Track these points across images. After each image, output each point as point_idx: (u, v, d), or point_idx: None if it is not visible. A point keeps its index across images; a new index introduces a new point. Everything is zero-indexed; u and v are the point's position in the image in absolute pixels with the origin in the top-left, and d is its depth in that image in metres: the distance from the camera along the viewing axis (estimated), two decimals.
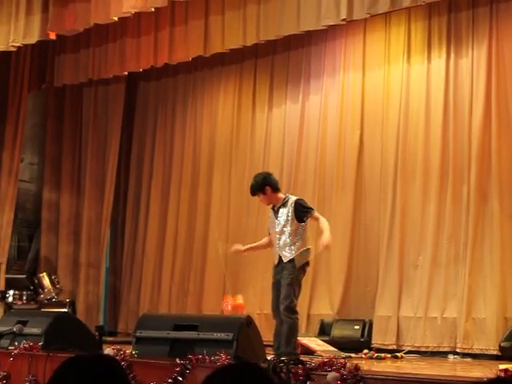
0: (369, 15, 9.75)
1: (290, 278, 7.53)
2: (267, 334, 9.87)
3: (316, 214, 7.76)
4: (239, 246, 8.19)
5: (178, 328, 7.37)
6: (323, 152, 10.93)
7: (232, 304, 7.96)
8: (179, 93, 12.77)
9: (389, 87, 10.56)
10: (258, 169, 11.42)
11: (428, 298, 9.69)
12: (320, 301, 10.64)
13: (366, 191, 10.57)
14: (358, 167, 10.61)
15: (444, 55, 10.07)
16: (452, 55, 10.02)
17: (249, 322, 7.20)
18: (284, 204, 7.71)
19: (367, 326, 9.98)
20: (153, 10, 10.83)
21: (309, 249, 7.69)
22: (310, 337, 9.66)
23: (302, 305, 10.61)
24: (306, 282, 10.59)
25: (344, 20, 9.68)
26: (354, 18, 9.79)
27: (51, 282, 11.83)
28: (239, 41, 10.76)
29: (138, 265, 12.73)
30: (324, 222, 7.71)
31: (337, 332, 10.10)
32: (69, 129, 13.33)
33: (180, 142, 12.60)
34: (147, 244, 12.66)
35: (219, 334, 6.98)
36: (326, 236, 7.58)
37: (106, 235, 12.89)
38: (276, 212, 7.75)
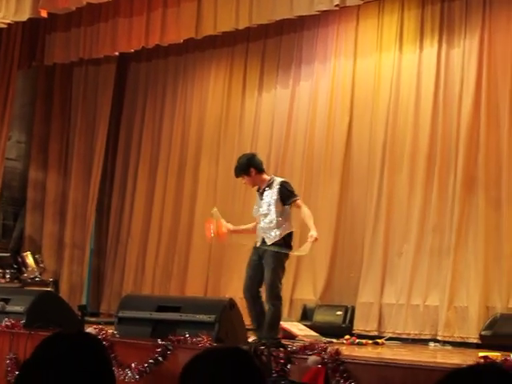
0: (362, 2, 9.77)
1: (274, 262, 7.45)
2: (249, 318, 9.88)
3: (299, 201, 7.64)
4: (229, 225, 8.09)
5: (160, 309, 7.38)
6: (312, 137, 10.92)
7: (215, 231, 7.84)
8: (170, 75, 12.72)
9: (380, 75, 10.55)
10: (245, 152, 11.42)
11: (411, 285, 9.72)
12: (303, 286, 10.65)
13: (353, 177, 10.56)
14: (346, 153, 10.60)
15: (436, 44, 10.07)
16: (444, 45, 10.01)
17: (231, 304, 7.20)
18: (269, 185, 7.62)
19: (349, 312, 9.99)
20: None
21: (292, 232, 7.63)
22: (292, 321, 9.66)
23: (285, 289, 10.54)
24: (290, 266, 10.58)
25: (337, 6, 9.67)
26: (348, 4, 9.80)
27: (35, 260, 11.81)
28: (231, 24, 10.73)
29: (122, 246, 12.70)
30: (307, 213, 7.57)
31: (319, 317, 10.10)
32: (58, 108, 13.26)
33: (169, 125, 12.56)
34: (132, 226, 12.64)
35: (201, 316, 6.99)
36: (313, 229, 7.49)
37: (91, 216, 12.85)
38: (261, 194, 7.67)
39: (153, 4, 11.30)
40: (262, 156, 10.67)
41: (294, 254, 7.76)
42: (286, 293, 10.58)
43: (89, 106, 13.15)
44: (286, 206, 7.56)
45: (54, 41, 12.45)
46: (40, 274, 11.79)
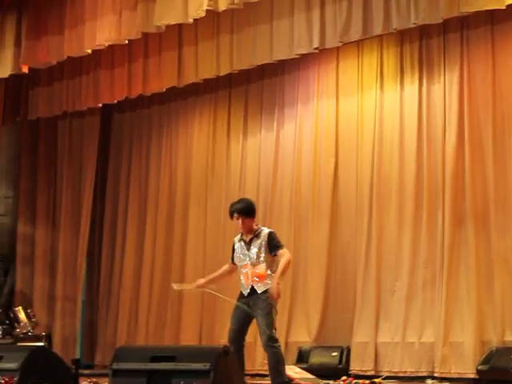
0: (341, 43, 9.86)
1: (267, 308, 7.48)
2: (246, 363, 9.82)
3: (282, 251, 7.61)
4: (200, 281, 8.09)
5: (155, 359, 7.29)
6: (298, 180, 10.95)
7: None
8: (154, 124, 12.77)
9: (362, 114, 10.62)
10: (233, 199, 11.36)
11: (405, 323, 9.70)
12: (297, 328, 10.61)
13: (341, 218, 10.58)
14: (333, 195, 10.64)
15: (417, 81, 10.16)
16: (424, 81, 10.10)
17: (226, 351, 7.14)
18: (257, 235, 7.65)
19: (345, 353, 9.95)
20: (126, 42, 10.87)
21: None
22: (289, 365, 9.60)
23: (279, 332, 10.49)
24: (283, 309, 10.60)
25: (317, 48, 9.80)
26: (327, 47, 9.93)
27: (27, 315, 11.73)
28: (213, 71, 10.83)
29: (114, 297, 12.64)
30: (282, 265, 7.53)
31: (315, 359, 10.06)
32: (43, 162, 13.27)
33: (155, 173, 12.58)
34: (124, 276, 12.58)
35: (196, 365, 6.92)
36: (274, 285, 7.47)
37: (82, 268, 12.80)
38: (248, 243, 7.68)
39: (133, 55, 11.39)
40: None
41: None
42: (280, 336, 10.49)
43: (74, 158, 13.15)
44: (274, 256, 7.59)
45: (36, 95, 12.50)
46: (32, 329, 11.71)
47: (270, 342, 7.44)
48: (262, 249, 7.57)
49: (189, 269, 11.70)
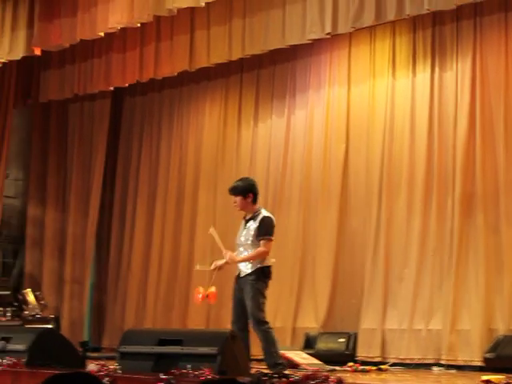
0: (353, 29, 9.80)
1: (252, 291, 7.53)
2: (252, 348, 9.83)
3: (264, 242, 7.60)
4: (218, 261, 8.12)
5: (162, 343, 7.33)
6: (309, 166, 10.94)
7: (203, 294, 7.90)
8: (165, 108, 12.76)
9: (374, 101, 10.58)
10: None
11: (413, 310, 9.69)
12: (305, 314, 10.62)
13: (351, 204, 10.57)
14: (343, 181, 10.62)
15: (429, 69, 10.11)
16: (436, 69, 10.05)
17: (233, 336, 7.16)
18: (254, 217, 7.70)
19: (352, 339, 9.95)
20: (138, 25, 10.85)
21: (268, 267, 7.66)
22: (295, 350, 9.63)
23: (287, 318, 10.63)
24: (291, 295, 10.64)
25: (329, 34, 9.74)
26: (339, 32, 9.85)
27: (36, 298, 11.77)
28: (225, 55, 10.81)
29: (122, 280, 12.67)
30: (255, 252, 7.57)
31: (322, 345, 10.06)
32: (54, 144, 13.30)
33: (166, 158, 12.58)
34: (132, 259, 12.61)
35: (203, 349, 6.93)
36: (238, 257, 7.60)
37: (90, 251, 12.84)
38: (245, 223, 7.76)
39: (146, 38, 11.36)
40: (259, 185, 10.69)
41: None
42: (287, 322, 10.60)
43: (85, 141, 13.18)
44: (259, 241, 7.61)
45: (48, 78, 12.51)
46: (41, 311, 11.75)
47: (257, 326, 7.50)
48: (252, 232, 7.61)
49: (197, 253, 11.70)
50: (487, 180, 9.45)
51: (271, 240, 7.67)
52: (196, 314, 11.54)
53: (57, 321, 11.85)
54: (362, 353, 9.88)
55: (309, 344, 10.20)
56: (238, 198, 7.75)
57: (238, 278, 7.70)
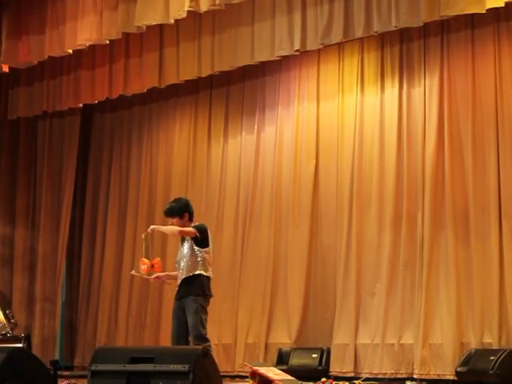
0: (322, 46, 9.89)
1: (194, 306, 7.59)
2: (225, 364, 9.84)
3: (193, 229, 7.70)
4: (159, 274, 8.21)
5: (134, 360, 7.29)
6: (279, 182, 10.97)
7: (148, 264, 7.93)
8: (135, 124, 12.75)
9: (343, 117, 10.64)
10: (213, 201, 11.46)
11: (385, 324, 9.72)
12: (277, 330, 10.61)
13: (322, 220, 10.61)
14: (313, 196, 10.65)
15: (397, 85, 10.19)
16: (405, 85, 10.13)
17: (205, 352, 7.15)
18: None
19: (325, 354, 9.95)
20: (107, 42, 10.87)
21: (207, 277, 7.72)
22: (268, 366, 9.61)
23: (259, 334, 10.63)
24: (264, 311, 10.64)
25: (298, 51, 9.82)
26: (308, 49, 9.94)
27: (5, 316, 11.64)
28: (194, 72, 10.84)
29: (94, 297, 12.61)
30: (182, 228, 7.72)
31: (295, 361, 10.05)
32: (23, 162, 13.20)
33: (136, 174, 12.56)
34: (104, 276, 12.56)
35: (175, 366, 6.91)
36: (163, 227, 7.90)
37: (61, 268, 12.76)
38: (182, 240, 7.86)
39: (115, 55, 11.38)
40: (230, 201, 10.76)
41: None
42: (260, 337, 10.60)
43: (55, 158, 13.11)
44: (198, 253, 7.61)
45: (17, 95, 12.46)
46: (11, 330, 11.63)
47: (198, 341, 7.49)
48: (187, 247, 7.67)
49: (168, 270, 11.65)
50: (456, 194, 9.53)
51: (197, 234, 7.73)
52: (168, 331, 11.42)
53: (28, 339, 11.71)
54: (335, 368, 9.89)
55: (282, 360, 10.18)
56: (175, 220, 7.85)
57: (178, 292, 7.77)
